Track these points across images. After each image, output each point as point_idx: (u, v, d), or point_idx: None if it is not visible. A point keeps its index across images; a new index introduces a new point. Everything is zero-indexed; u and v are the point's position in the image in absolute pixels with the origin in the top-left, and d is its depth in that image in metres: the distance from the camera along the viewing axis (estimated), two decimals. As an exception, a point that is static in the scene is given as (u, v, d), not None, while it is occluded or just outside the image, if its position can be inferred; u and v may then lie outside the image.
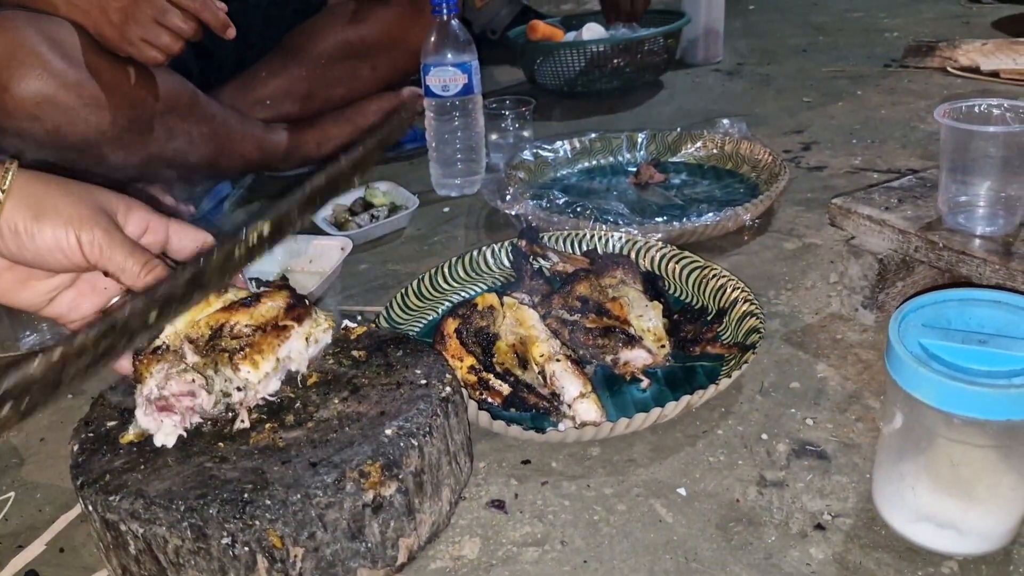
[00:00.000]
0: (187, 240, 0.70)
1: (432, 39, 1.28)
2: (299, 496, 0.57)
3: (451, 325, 0.79)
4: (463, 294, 1.01)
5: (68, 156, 1.16)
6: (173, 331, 0.67)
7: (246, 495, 0.57)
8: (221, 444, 0.63)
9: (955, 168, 0.82)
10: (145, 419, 0.63)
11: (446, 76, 1.29)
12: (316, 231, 1.22)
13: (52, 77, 1.07)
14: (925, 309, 0.64)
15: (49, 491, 0.78)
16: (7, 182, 0.59)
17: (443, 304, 0.99)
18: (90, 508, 0.60)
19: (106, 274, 0.65)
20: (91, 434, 0.66)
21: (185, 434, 0.63)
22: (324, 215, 1.28)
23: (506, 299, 0.83)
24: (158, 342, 0.66)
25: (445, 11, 1.26)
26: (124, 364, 0.69)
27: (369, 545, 0.60)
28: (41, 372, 0.52)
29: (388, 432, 0.62)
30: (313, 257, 1.13)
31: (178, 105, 1.24)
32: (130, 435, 0.65)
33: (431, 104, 1.32)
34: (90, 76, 1.11)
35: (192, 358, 0.66)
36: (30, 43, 1.06)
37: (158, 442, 0.63)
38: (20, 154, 0.65)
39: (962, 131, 0.79)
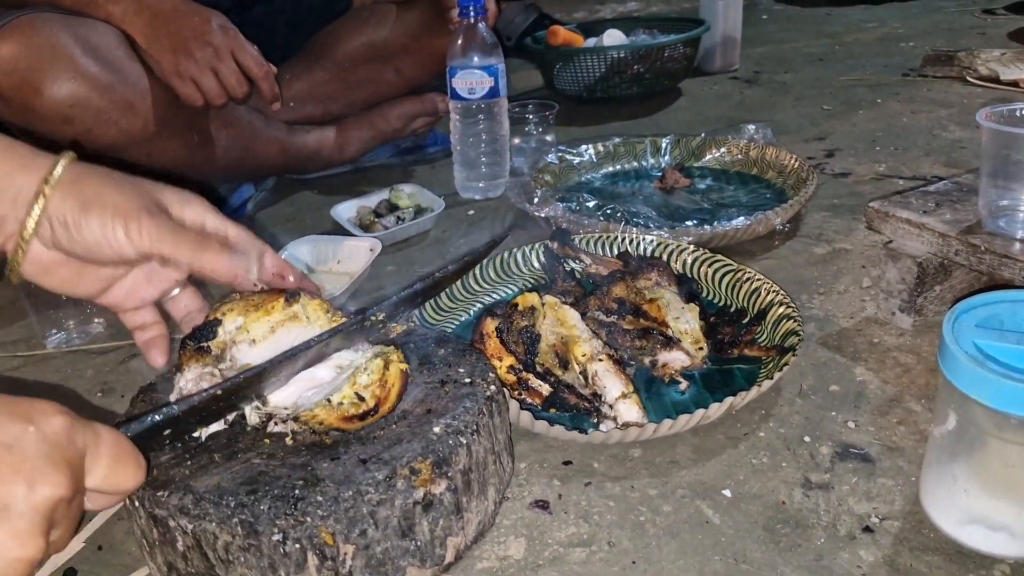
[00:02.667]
0: (246, 246, 0.68)
1: (459, 42, 1.28)
2: (351, 493, 0.56)
3: (491, 325, 0.79)
4: (494, 296, 1.00)
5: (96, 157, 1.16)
6: (226, 337, 0.66)
7: (297, 491, 0.56)
8: (267, 440, 0.63)
9: (996, 172, 0.81)
10: None
11: (472, 79, 1.29)
12: (342, 232, 1.21)
13: (85, 80, 1.07)
14: (978, 310, 0.63)
15: (84, 489, 0.78)
16: (55, 175, 0.58)
17: (475, 306, 0.99)
18: (136, 504, 0.59)
19: (161, 264, 0.64)
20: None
21: (202, 436, 0.63)
22: (349, 216, 1.27)
23: (547, 298, 0.83)
24: (205, 343, 0.65)
25: (472, 14, 1.26)
26: (157, 359, 0.68)
27: (419, 543, 0.60)
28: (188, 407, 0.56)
29: (436, 430, 0.62)
30: (341, 258, 1.13)
31: (206, 110, 1.25)
32: None
33: (456, 107, 1.32)
34: (123, 79, 1.11)
35: (229, 363, 0.65)
36: (63, 45, 1.06)
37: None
38: (76, 147, 0.64)
39: (1005, 134, 0.79)
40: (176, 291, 0.69)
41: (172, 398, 0.63)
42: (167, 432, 0.57)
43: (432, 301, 0.94)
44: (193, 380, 0.63)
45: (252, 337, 0.66)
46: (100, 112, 1.09)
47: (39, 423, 0.42)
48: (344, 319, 0.69)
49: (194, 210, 0.65)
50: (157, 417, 0.55)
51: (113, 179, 0.61)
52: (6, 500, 0.39)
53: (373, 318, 0.68)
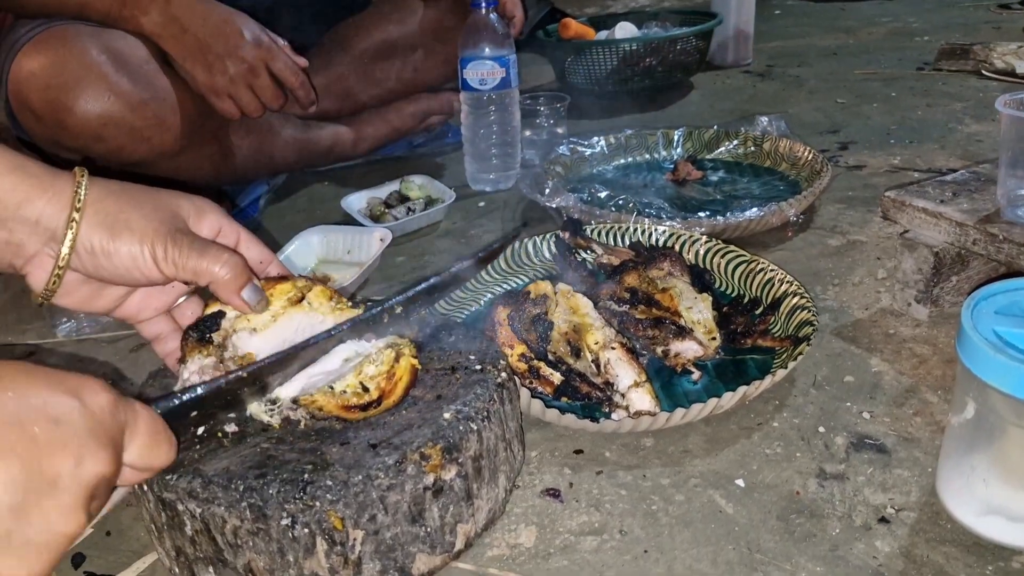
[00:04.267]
0: (254, 253, 0.68)
1: (470, 32, 1.28)
2: (360, 477, 0.55)
3: (502, 312, 0.78)
4: (505, 286, 1.00)
5: (123, 170, 1.15)
6: (226, 326, 0.65)
7: (306, 475, 0.56)
8: (276, 426, 0.62)
9: (1015, 161, 0.80)
10: None
11: (484, 69, 1.28)
12: (353, 223, 1.21)
13: (117, 98, 1.05)
14: (997, 297, 0.62)
15: (93, 475, 0.77)
16: (80, 198, 0.58)
17: (485, 296, 0.98)
18: (144, 488, 0.59)
19: (186, 283, 0.64)
20: (143, 415, 0.65)
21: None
22: (359, 207, 1.27)
23: (559, 286, 0.82)
24: (209, 334, 0.65)
25: (484, 4, 1.26)
26: (169, 355, 0.68)
27: (428, 530, 0.59)
28: (215, 390, 0.56)
29: (446, 416, 0.61)
30: (351, 248, 1.12)
31: (232, 119, 1.24)
32: None
33: (468, 98, 1.31)
34: (154, 96, 1.10)
35: (233, 353, 0.65)
36: (96, 62, 1.04)
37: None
38: (86, 162, 0.64)
39: (1024, 121, 0.78)
40: (183, 298, 0.69)
41: (177, 388, 0.62)
42: (194, 415, 0.56)
43: (442, 291, 0.94)
44: (196, 371, 0.62)
45: (253, 326, 0.65)
46: (133, 130, 1.08)
47: (86, 399, 0.42)
48: (350, 307, 0.69)
49: (210, 220, 0.65)
50: (186, 396, 0.54)
51: (133, 198, 0.61)
52: (54, 475, 0.39)
53: (388, 311, 0.67)
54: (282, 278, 0.68)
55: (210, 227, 0.65)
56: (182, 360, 0.64)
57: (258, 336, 0.65)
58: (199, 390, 0.56)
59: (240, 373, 0.59)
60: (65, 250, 0.58)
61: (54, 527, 0.39)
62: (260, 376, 0.60)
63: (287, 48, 1.18)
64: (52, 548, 0.39)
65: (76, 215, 0.57)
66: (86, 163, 0.61)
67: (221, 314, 0.65)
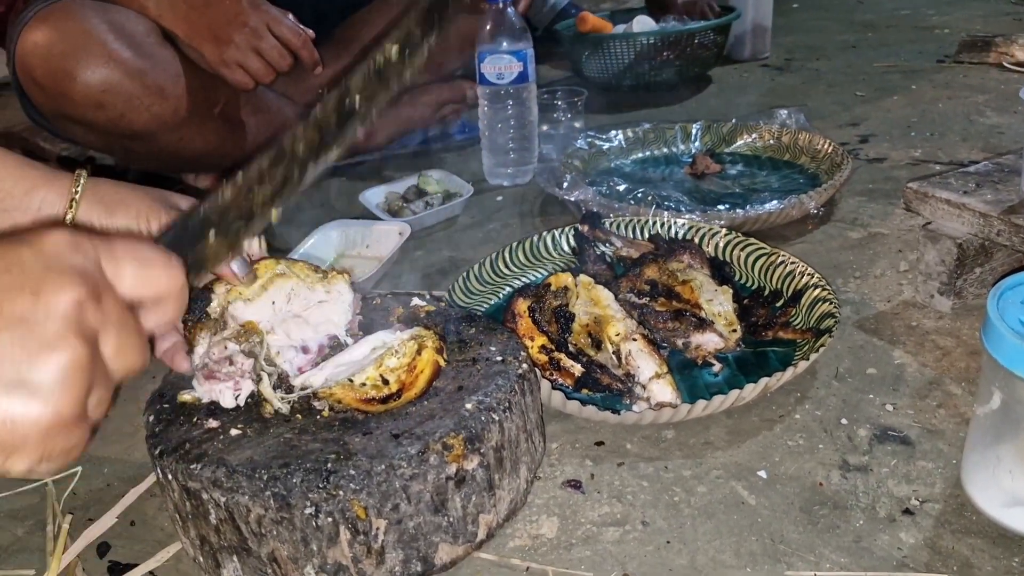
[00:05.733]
0: (251, 250, 0.69)
1: (488, 27, 1.27)
2: (384, 467, 0.56)
3: (523, 304, 0.78)
4: (524, 279, 1.00)
5: (128, 144, 1.17)
6: (220, 303, 0.65)
7: (330, 465, 0.56)
8: (299, 416, 0.63)
9: (1040, 150, 0.79)
10: (199, 388, 0.63)
11: (501, 64, 1.28)
12: (371, 218, 1.21)
13: (118, 65, 1.07)
14: (1023, 287, 0.62)
15: (116, 465, 0.78)
16: (79, 187, 0.61)
17: (504, 289, 0.98)
18: (169, 477, 0.59)
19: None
20: (166, 405, 0.65)
21: (240, 401, 0.63)
22: (377, 202, 1.27)
23: (581, 278, 0.82)
24: (202, 312, 0.65)
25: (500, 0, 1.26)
26: (182, 364, 0.66)
27: (451, 520, 0.59)
28: (231, 197, 0.54)
29: (468, 406, 0.61)
30: (370, 243, 1.12)
31: (237, 95, 1.25)
32: (187, 397, 0.65)
33: (485, 92, 1.31)
34: (155, 65, 1.12)
35: (233, 325, 0.65)
36: (96, 31, 1.06)
37: (226, 404, 0.63)
38: (90, 162, 0.68)
39: (1050, 110, 0.77)
40: None
41: (195, 367, 0.64)
42: (213, 235, 0.53)
43: (462, 284, 0.94)
44: (207, 351, 0.63)
45: (246, 297, 0.65)
46: (132, 97, 1.10)
47: (34, 242, 0.40)
48: (336, 273, 0.69)
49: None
50: (188, 219, 0.53)
51: (129, 186, 0.65)
52: (20, 315, 0.38)
53: (382, 51, 0.59)
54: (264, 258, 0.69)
55: None
56: (191, 348, 0.64)
57: (252, 305, 0.65)
58: (200, 212, 0.53)
59: (237, 178, 0.55)
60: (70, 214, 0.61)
61: (46, 360, 0.38)
62: (252, 183, 0.56)
63: (291, 17, 1.19)
64: (59, 380, 0.38)
65: (76, 194, 0.61)
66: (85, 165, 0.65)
67: (208, 290, 0.65)
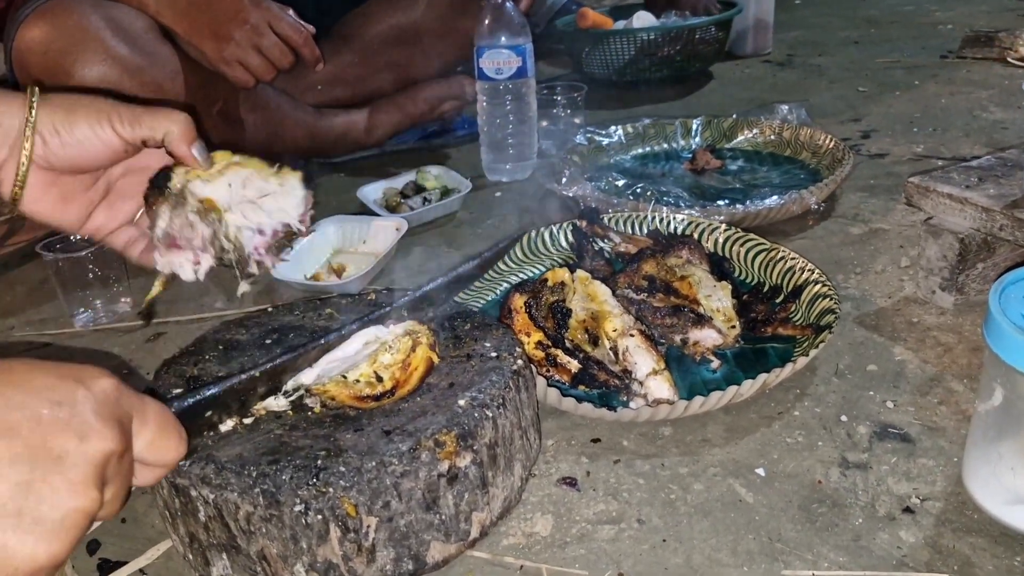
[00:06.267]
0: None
1: (486, 21, 1.27)
2: (374, 464, 0.55)
3: (519, 300, 0.77)
4: (521, 275, 0.99)
5: None
6: (179, 182, 0.65)
7: (320, 462, 0.55)
8: (290, 412, 0.62)
9: (1043, 143, 0.78)
10: (161, 261, 0.64)
11: (500, 59, 1.27)
12: (369, 213, 1.20)
13: (115, 63, 1.07)
14: (1026, 282, 0.61)
15: (109, 463, 0.77)
16: (35, 95, 0.61)
17: (502, 285, 0.97)
18: (158, 474, 0.59)
19: (143, 143, 0.64)
20: (157, 402, 0.65)
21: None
22: (375, 197, 1.26)
23: (578, 273, 0.81)
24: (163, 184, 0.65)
25: (500, -7, 1.25)
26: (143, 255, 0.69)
27: (443, 517, 0.58)
28: (239, 387, 0.59)
29: (461, 403, 0.60)
30: (367, 238, 1.12)
31: (236, 92, 1.24)
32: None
33: (484, 87, 1.30)
34: (153, 62, 1.11)
35: (193, 200, 0.65)
36: (94, 28, 1.06)
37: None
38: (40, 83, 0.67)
39: (1053, 103, 0.76)
40: (141, 211, 0.69)
41: (157, 240, 0.64)
42: (208, 414, 0.57)
43: (458, 279, 0.93)
44: (167, 224, 0.64)
45: (204, 178, 0.65)
46: (130, 95, 1.09)
47: (88, 384, 0.43)
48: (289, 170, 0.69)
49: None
50: (200, 396, 0.56)
51: (85, 93, 0.64)
52: (60, 452, 0.39)
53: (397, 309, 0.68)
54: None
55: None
56: (151, 221, 0.65)
57: (211, 184, 0.65)
58: (213, 388, 0.57)
59: (254, 372, 0.59)
60: (27, 133, 0.60)
61: (65, 503, 0.39)
62: (274, 375, 0.61)
63: (291, 13, 1.19)
64: (67, 525, 0.39)
65: (34, 102, 0.60)
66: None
67: (167, 169, 0.65)
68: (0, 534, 0.37)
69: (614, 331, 0.75)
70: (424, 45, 1.50)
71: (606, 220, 1.02)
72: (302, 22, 1.20)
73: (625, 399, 0.74)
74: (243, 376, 0.59)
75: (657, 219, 1.01)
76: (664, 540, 0.61)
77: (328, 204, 1.35)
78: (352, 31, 1.48)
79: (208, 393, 0.56)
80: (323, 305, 0.79)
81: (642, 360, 0.72)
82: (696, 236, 0.99)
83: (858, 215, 1.12)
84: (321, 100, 1.43)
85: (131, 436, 0.45)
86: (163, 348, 0.95)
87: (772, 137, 1.35)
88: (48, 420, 0.40)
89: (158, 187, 0.64)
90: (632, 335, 0.74)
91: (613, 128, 1.40)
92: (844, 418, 0.73)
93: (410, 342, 0.64)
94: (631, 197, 1.11)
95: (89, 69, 1.06)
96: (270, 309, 0.80)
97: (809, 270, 0.87)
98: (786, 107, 1.38)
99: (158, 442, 0.47)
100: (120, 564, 0.64)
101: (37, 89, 0.61)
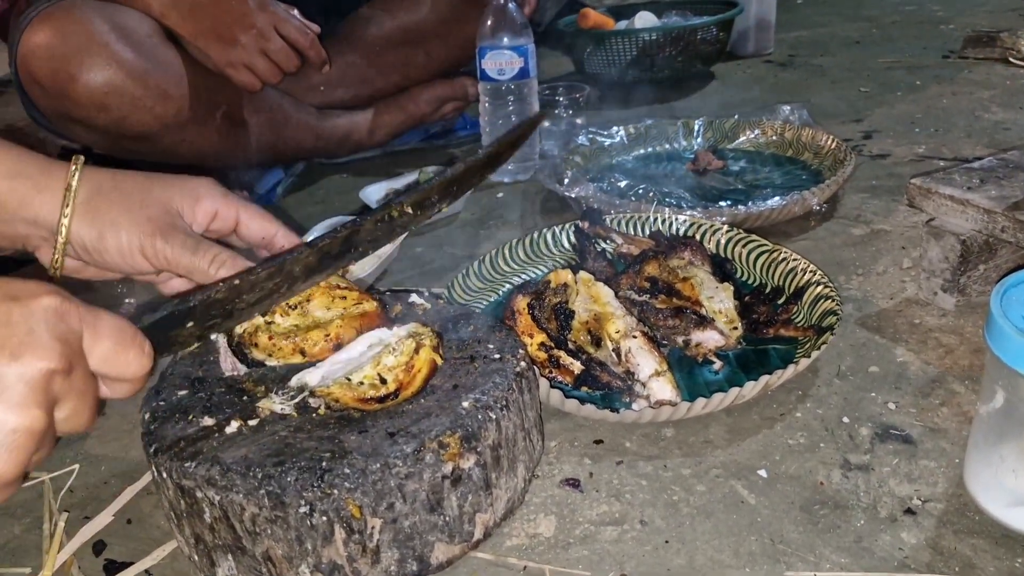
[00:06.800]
0: (255, 226, 0.70)
1: (488, 22, 1.27)
2: (379, 465, 0.55)
3: (522, 301, 0.77)
4: (524, 276, 0.99)
5: (130, 145, 1.16)
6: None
7: (324, 463, 0.55)
8: (295, 414, 0.62)
9: (1045, 145, 0.78)
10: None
11: (502, 59, 1.27)
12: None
13: (120, 67, 1.06)
14: (1027, 284, 0.61)
15: (113, 463, 0.78)
16: (69, 200, 0.61)
17: (504, 286, 0.97)
18: (164, 475, 0.59)
19: (178, 275, 0.66)
20: (162, 402, 0.65)
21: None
22: (378, 198, 1.27)
23: (581, 275, 0.81)
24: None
25: (503, -7, 1.25)
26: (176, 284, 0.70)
27: (447, 519, 0.59)
28: (221, 297, 0.56)
29: (465, 405, 0.61)
30: (370, 239, 1.11)
31: (240, 94, 1.24)
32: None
33: (486, 88, 1.31)
34: (157, 66, 1.11)
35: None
36: (98, 32, 1.05)
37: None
38: (87, 149, 0.68)
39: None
40: None
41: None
42: (190, 325, 0.56)
43: (461, 281, 0.93)
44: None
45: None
46: (135, 99, 1.09)
47: (26, 301, 0.42)
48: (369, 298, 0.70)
49: (205, 205, 0.67)
50: (172, 309, 0.55)
51: (123, 194, 0.63)
52: None
53: (399, 207, 0.67)
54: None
55: (205, 212, 0.67)
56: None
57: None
58: (191, 302, 0.56)
59: (234, 281, 0.58)
60: (59, 245, 0.62)
61: (3, 424, 0.39)
62: (244, 290, 0.59)
63: (297, 14, 1.19)
64: (9, 446, 0.40)
65: (65, 218, 0.61)
66: (85, 153, 0.64)
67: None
68: None
69: (617, 333, 0.75)
70: (427, 46, 1.50)
71: (608, 221, 1.02)
72: (308, 23, 1.20)
73: (628, 400, 0.74)
74: (220, 286, 0.58)
75: (659, 220, 1.02)
76: (667, 541, 0.62)
77: (330, 205, 1.35)
78: (355, 32, 1.48)
79: (178, 305, 0.55)
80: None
81: (645, 362, 0.73)
82: (698, 237, 0.99)
83: (860, 216, 1.12)
84: (324, 101, 1.44)
85: (80, 353, 0.44)
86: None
87: (774, 138, 1.36)
88: None
89: (241, 358, 0.66)
90: (635, 337, 0.74)
91: (615, 129, 1.40)
92: (846, 419, 0.73)
93: (413, 344, 0.64)
94: (633, 198, 1.11)
95: (94, 74, 1.05)
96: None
97: (811, 271, 0.87)
98: (788, 107, 1.38)
99: (115, 357, 0.46)
100: (126, 565, 0.65)
101: (73, 193, 0.61)
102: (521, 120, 0.77)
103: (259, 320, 0.66)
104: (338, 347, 0.66)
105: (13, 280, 0.43)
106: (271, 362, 0.67)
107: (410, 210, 0.66)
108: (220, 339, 0.66)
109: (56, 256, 0.62)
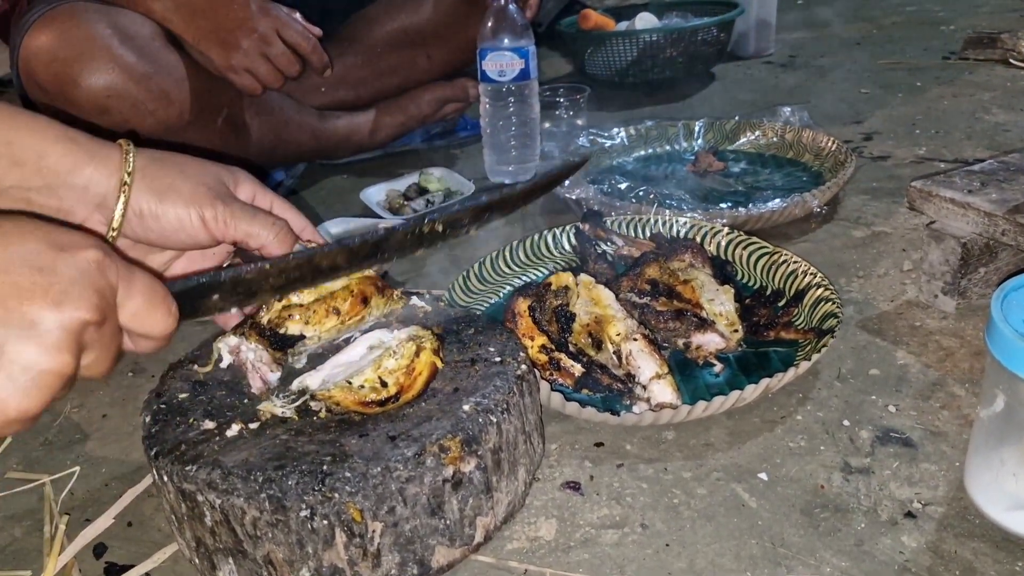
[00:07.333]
0: (289, 217, 0.69)
1: (489, 24, 1.27)
2: (379, 469, 0.55)
3: (523, 304, 0.77)
4: (524, 278, 0.99)
5: None
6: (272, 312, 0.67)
7: (325, 467, 0.55)
8: (295, 418, 0.62)
9: (1046, 148, 0.78)
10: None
11: (503, 61, 1.27)
12: (372, 216, 1.21)
13: (122, 71, 1.06)
14: (1028, 288, 0.61)
15: (114, 466, 0.78)
16: (130, 164, 0.60)
17: (504, 288, 0.97)
18: (164, 478, 0.59)
19: (234, 244, 0.65)
20: (163, 405, 0.65)
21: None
22: (378, 200, 1.27)
23: (582, 277, 0.81)
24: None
25: (503, -5, 1.25)
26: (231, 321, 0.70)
27: (448, 522, 0.59)
28: (250, 277, 0.57)
29: (466, 408, 0.61)
30: (371, 240, 1.12)
31: (241, 97, 1.24)
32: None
33: (487, 89, 1.30)
34: (159, 69, 1.11)
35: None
36: (100, 36, 1.05)
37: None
38: (132, 134, 0.66)
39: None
40: (226, 263, 0.70)
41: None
42: (215, 297, 0.56)
43: (462, 283, 0.93)
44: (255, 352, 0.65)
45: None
46: (137, 102, 1.09)
47: (72, 252, 0.44)
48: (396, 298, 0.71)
49: (245, 188, 0.67)
50: (203, 279, 0.55)
51: (178, 165, 0.63)
52: (34, 317, 0.42)
53: (431, 224, 0.66)
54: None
55: (246, 194, 0.67)
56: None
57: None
58: (221, 276, 0.56)
59: (264, 265, 0.58)
60: (118, 214, 0.60)
61: (36, 364, 0.42)
62: (272, 274, 0.59)
63: (299, 17, 1.19)
64: (38, 384, 0.42)
65: (127, 178, 0.60)
66: (131, 136, 0.63)
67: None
68: None
69: (617, 335, 0.75)
70: (428, 48, 1.50)
71: (609, 223, 1.02)
72: (310, 26, 1.20)
73: (628, 403, 0.74)
74: (250, 267, 0.58)
75: (660, 222, 1.02)
76: (667, 545, 0.62)
77: (332, 206, 1.35)
78: (356, 34, 1.48)
79: (210, 278, 0.56)
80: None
81: (645, 364, 0.73)
82: (699, 239, 0.99)
83: (860, 218, 1.12)
84: (325, 102, 1.44)
85: (113, 306, 0.46)
86: (168, 351, 0.95)
87: (774, 139, 1.36)
88: (27, 286, 0.42)
89: (275, 342, 0.66)
90: (635, 339, 0.74)
91: (616, 130, 1.40)
92: (846, 422, 0.73)
93: (414, 347, 0.64)
94: (634, 200, 1.11)
95: (96, 77, 1.05)
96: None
97: (811, 274, 0.87)
98: (788, 109, 1.38)
99: (144, 314, 0.48)
100: (127, 568, 0.65)
101: (132, 154, 0.60)
102: (565, 161, 0.77)
103: (278, 305, 0.66)
104: (365, 301, 0.68)
105: (60, 228, 0.45)
106: (309, 331, 0.66)
107: (440, 228, 0.66)
108: (248, 356, 0.65)
109: (114, 224, 0.60)
